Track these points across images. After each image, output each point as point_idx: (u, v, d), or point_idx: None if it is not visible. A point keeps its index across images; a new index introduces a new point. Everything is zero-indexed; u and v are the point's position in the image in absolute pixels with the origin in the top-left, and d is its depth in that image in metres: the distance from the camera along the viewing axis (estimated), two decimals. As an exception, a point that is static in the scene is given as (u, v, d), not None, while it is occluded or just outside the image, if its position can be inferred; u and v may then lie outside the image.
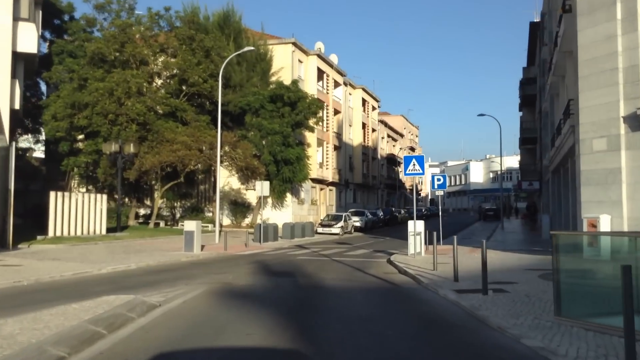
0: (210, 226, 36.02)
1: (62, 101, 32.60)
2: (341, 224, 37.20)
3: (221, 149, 32.31)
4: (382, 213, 49.75)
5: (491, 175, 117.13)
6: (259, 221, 41.66)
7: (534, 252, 20.21)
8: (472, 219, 70.23)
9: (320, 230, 36.90)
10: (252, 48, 29.54)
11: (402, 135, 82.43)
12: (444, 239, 24.68)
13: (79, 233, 25.63)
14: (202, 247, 22.70)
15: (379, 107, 67.56)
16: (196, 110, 35.35)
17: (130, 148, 29.34)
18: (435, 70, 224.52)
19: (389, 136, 74.13)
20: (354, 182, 57.50)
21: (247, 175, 38.44)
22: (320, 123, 47.27)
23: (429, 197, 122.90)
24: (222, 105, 38.08)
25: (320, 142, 46.89)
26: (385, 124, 71.49)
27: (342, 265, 17.30)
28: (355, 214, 43.12)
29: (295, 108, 37.78)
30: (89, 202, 26.32)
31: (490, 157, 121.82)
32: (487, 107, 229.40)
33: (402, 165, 20.87)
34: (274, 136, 36.51)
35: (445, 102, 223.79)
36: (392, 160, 73.20)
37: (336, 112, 51.54)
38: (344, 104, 54.23)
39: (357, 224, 41.37)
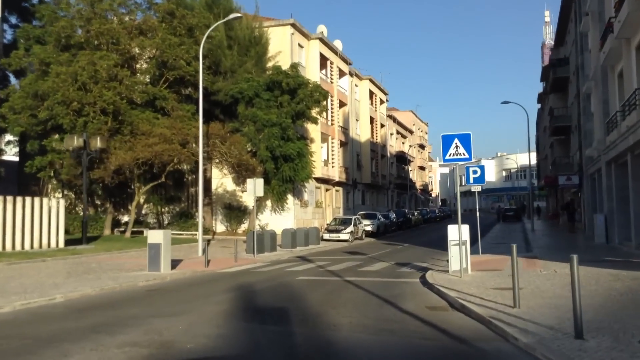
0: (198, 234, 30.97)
1: (22, 91, 27.74)
2: (350, 228, 32.15)
3: (208, 142, 27.35)
4: (394, 215, 44.64)
5: (504, 173, 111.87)
6: (257, 227, 36.73)
7: (616, 265, 15.01)
8: (489, 220, 65.05)
9: (326, 236, 31.87)
10: (240, 15, 24.47)
11: (411, 132, 77.30)
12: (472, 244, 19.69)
13: (27, 246, 20.65)
14: (177, 263, 17.73)
15: (387, 100, 62.48)
16: (179, 98, 30.35)
17: (97, 143, 24.36)
18: (443, 66, 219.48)
19: (398, 132, 69.03)
20: (362, 182, 52.43)
21: (242, 174, 33.49)
22: (325, 114, 42.25)
23: (439, 198, 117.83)
24: (211, 94, 33.20)
25: (324, 137, 41.84)
26: (394, 119, 66.40)
27: (360, 291, 12.21)
28: (366, 217, 38.05)
29: (296, 96, 32.77)
30: (41, 208, 21.31)
31: (502, 154, 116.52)
32: (498, 102, 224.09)
33: (434, 150, 15.71)
34: (271, 129, 31.48)
35: (453, 99, 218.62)
36: (401, 158, 68.07)
37: (342, 104, 46.50)
38: (350, 96, 49.18)
39: (368, 229, 36.30)
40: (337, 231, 31.97)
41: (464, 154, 13.79)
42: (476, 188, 19.37)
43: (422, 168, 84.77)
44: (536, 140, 79.85)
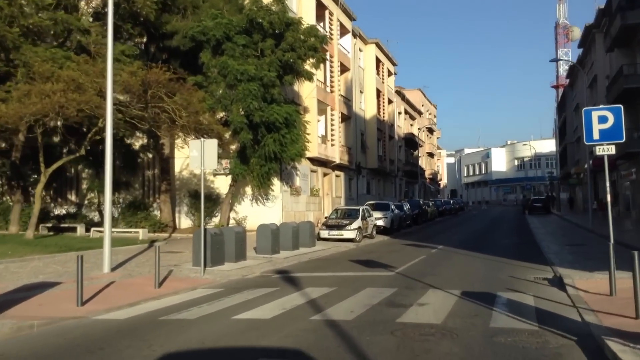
0: (141, 233, 21.97)
1: None
2: (358, 223, 23.27)
3: (145, 95, 18.33)
4: (408, 207, 35.71)
5: (516, 162, 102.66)
6: (232, 222, 27.85)
7: None
8: (511, 214, 56.30)
9: (324, 234, 23.01)
10: None
11: (420, 113, 68.28)
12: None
13: None
14: (40, 288, 8.93)
15: (395, 73, 53.41)
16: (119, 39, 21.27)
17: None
18: (450, 47, 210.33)
19: (406, 112, 60.01)
20: (367, 167, 43.46)
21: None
22: (323, 76, 33.26)
23: (447, 189, 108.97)
24: (163, 37, 24.21)
25: (322, 107, 32.87)
26: (403, 97, 57.37)
27: None
28: (376, 208, 29.14)
29: (283, 41, 23.82)
30: None
31: (512, 142, 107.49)
32: (506, 89, 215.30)
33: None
34: (247, 84, 22.51)
35: (460, 83, 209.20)
36: (411, 142, 59.09)
37: (343, 69, 37.47)
38: (353, 62, 40.15)
39: (380, 223, 27.41)
40: (340, 227, 23.06)
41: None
42: (606, 149, 10.44)
43: (430, 155, 75.83)
44: (560, 125, 70.87)
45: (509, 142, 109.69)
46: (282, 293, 9.90)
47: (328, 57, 33.35)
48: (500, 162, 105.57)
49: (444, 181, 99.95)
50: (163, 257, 16.16)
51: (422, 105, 70.50)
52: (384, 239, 25.01)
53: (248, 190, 27.96)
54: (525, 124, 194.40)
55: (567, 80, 66.24)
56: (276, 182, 27.79)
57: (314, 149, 30.63)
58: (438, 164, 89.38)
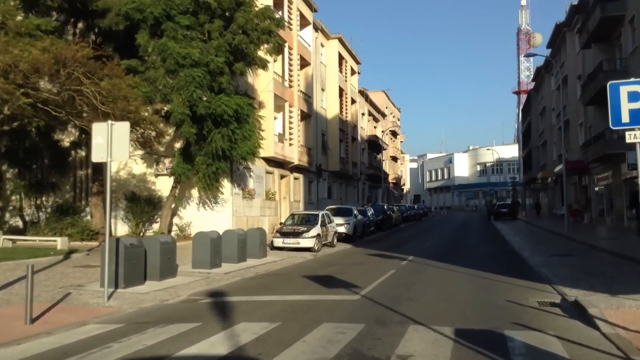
0: (59, 242, 18.62)
1: None
2: (317, 230, 20.48)
3: (60, 72, 15.12)
4: (372, 212, 33.12)
5: (478, 167, 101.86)
6: (177, 228, 24.61)
7: None
8: (475, 220, 54.59)
9: (279, 242, 20.17)
10: None
11: (384, 116, 66.17)
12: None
13: None
14: None
15: (359, 72, 51.00)
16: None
17: None
18: (413, 51, 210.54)
19: (370, 114, 57.67)
20: (328, 170, 40.77)
21: (150, 145, 21.53)
22: (281, 69, 30.46)
23: (410, 194, 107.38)
24: (91, 14, 20.95)
25: (280, 103, 30.03)
26: (366, 98, 55.01)
27: None
28: (338, 213, 26.46)
29: (233, 22, 20.93)
30: None
31: (475, 147, 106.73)
32: (469, 96, 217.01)
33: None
34: (191, 70, 19.53)
35: (424, 88, 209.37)
36: (374, 144, 56.75)
37: (304, 63, 34.72)
38: (315, 57, 37.48)
39: (342, 230, 24.71)
40: (296, 234, 20.20)
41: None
42: (639, 136, 7.95)
43: (394, 159, 73.77)
44: (524, 130, 69.79)
45: (471, 147, 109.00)
46: (199, 334, 6.99)
47: (287, 48, 30.59)
48: (462, 168, 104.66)
49: (407, 186, 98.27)
50: (73, 273, 13.07)
51: (386, 108, 68.42)
52: (346, 248, 22.32)
53: (195, 193, 24.87)
54: (488, 130, 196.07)
55: (533, 84, 65.05)
56: (226, 184, 24.81)
57: (269, 148, 27.78)
58: (402, 168, 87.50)
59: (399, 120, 78.45)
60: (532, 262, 15.35)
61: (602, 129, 26.93)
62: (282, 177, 31.55)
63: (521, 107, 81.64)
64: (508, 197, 76.43)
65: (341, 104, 43.97)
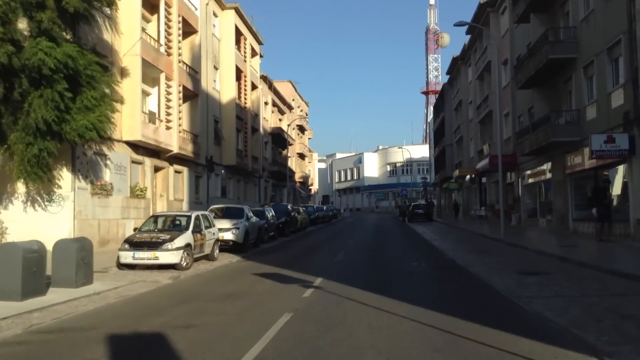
0: None
1: None
2: (185, 239, 14.16)
3: None
4: (273, 214, 27.11)
5: (388, 168, 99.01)
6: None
7: None
8: (392, 222, 50.44)
9: (127, 258, 13.67)
10: None
11: (290, 108, 60.45)
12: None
13: None
14: None
15: (261, 54, 44.83)
16: None
17: None
18: (321, 46, 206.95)
19: (274, 105, 51.67)
20: (222, 163, 34.25)
21: None
22: (156, 30, 23.72)
23: (319, 195, 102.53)
24: None
25: (153, 74, 23.30)
26: (270, 85, 48.94)
27: None
28: (226, 214, 20.26)
29: None
30: None
31: (384, 147, 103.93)
32: (379, 94, 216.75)
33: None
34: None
35: (331, 84, 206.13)
36: (279, 138, 50.82)
37: (188, 30, 28.01)
38: (205, 26, 30.91)
39: (228, 237, 18.49)
40: (153, 245, 13.71)
41: None
42: None
43: (301, 156, 68.24)
44: (437, 128, 66.77)
45: (380, 147, 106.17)
46: None
47: (164, 4, 23.92)
48: (372, 168, 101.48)
49: (315, 186, 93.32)
50: None
51: (293, 100, 62.77)
52: (232, 262, 16.21)
53: (21, 186, 17.61)
54: (397, 130, 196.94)
55: (441, 85, 62.04)
56: (65, 174, 17.82)
57: (135, 129, 21.05)
58: (309, 167, 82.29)
59: (307, 115, 73.08)
60: (502, 288, 10.03)
61: (546, 113, 22.58)
62: (157, 169, 24.75)
63: (431, 107, 79.44)
64: (419, 198, 73.40)
65: (239, 88, 37.63)
